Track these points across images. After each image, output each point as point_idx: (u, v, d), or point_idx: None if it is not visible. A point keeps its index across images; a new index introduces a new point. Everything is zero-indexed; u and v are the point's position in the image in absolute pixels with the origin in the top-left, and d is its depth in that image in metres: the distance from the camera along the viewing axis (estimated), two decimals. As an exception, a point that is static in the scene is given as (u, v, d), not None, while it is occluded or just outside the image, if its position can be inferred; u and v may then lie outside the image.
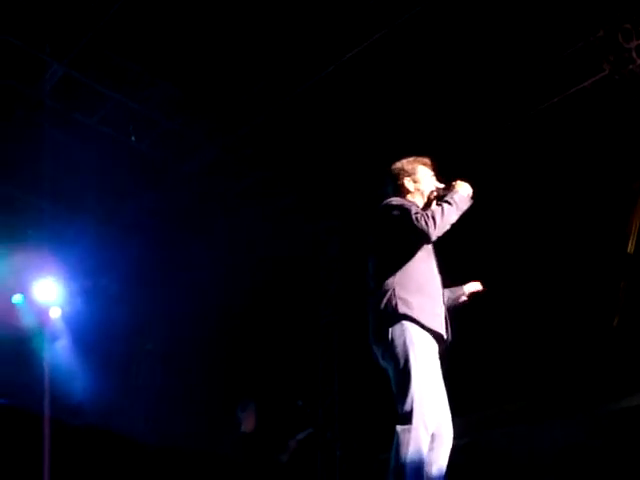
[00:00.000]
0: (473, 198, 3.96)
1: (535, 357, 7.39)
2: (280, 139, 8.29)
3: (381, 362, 3.85)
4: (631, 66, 6.83)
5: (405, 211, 3.84)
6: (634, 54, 6.75)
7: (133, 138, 8.00)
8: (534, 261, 7.76)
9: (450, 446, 3.76)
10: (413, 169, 4.17)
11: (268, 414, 7.46)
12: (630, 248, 7.61)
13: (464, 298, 4.35)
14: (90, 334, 9.12)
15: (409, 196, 4.12)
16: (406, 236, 3.84)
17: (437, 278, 4.00)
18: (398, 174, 4.18)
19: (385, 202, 4.02)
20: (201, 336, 9.34)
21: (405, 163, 4.21)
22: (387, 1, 6.56)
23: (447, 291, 4.19)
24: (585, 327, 7.31)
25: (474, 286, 4.41)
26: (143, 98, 7.72)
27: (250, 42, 7.02)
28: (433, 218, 3.75)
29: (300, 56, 7.17)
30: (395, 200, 4.01)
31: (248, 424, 7.09)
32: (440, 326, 3.84)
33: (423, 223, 3.73)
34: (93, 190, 8.50)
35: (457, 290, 4.33)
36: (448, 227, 3.81)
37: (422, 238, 3.80)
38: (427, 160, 4.23)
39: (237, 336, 9.40)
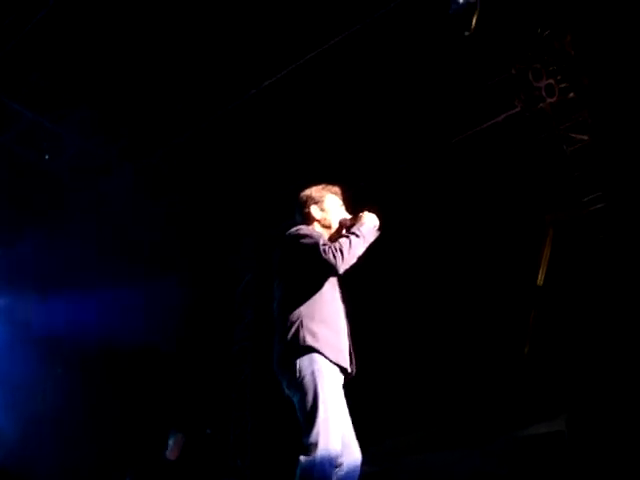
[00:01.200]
0: (380, 229, 3.95)
1: (448, 385, 7.48)
2: (196, 163, 8.27)
3: (286, 391, 3.79)
4: (541, 104, 7.08)
5: (312, 242, 3.80)
6: (544, 92, 7.01)
7: (47, 157, 7.83)
8: (447, 290, 7.88)
9: (357, 476, 3.71)
10: (321, 197, 4.14)
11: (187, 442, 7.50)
12: (540, 280, 7.84)
13: None
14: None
15: (315, 224, 4.09)
16: (313, 268, 3.80)
17: (342, 310, 3.96)
18: (305, 201, 4.14)
19: (293, 230, 3.96)
20: (113, 363, 9.11)
21: (314, 191, 4.17)
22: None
23: None
24: (496, 355, 7.47)
25: None
26: (58, 117, 7.59)
27: (166, 65, 7.01)
28: (340, 251, 3.72)
29: (218, 81, 7.18)
30: (303, 229, 3.96)
31: (174, 452, 7.28)
32: (344, 360, 3.81)
33: (331, 256, 3.71)
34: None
35: None
36: (355, 260, 3.79)
37: (329, 271, 3.77)
38: (337, 189, 4.20)
39: (151, 365, 9.23)
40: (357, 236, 3.82)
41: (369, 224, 3.92)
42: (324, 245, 3.76)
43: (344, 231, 3.98)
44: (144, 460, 7.23)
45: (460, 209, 7.90)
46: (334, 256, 3.71)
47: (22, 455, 8.68)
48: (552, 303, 7.59)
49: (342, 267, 3.74)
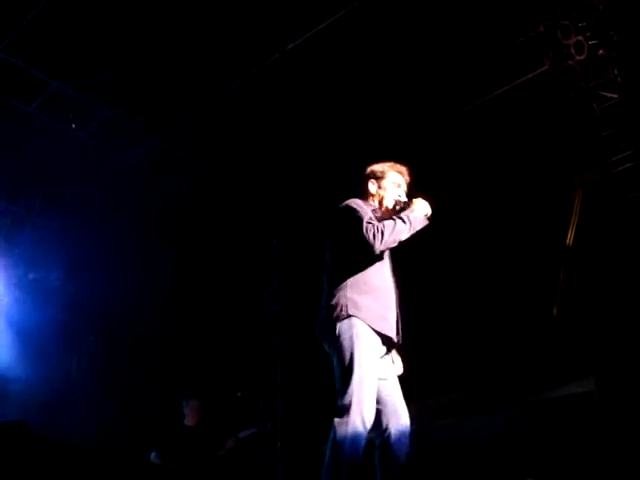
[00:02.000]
0: (430, 219, 3.98)
1: (479, 347, 7.50)
2: (223, 129, 8.25)
3: (328, 353, 3.87)
4: (570, 62, 6.95)
5: (358, 218, 3.86)
6: (572, 50, 6.88)
7: (73, 126, 7.86)
8: (474, 253, 7.86)
9: (407, 442, 3.78)
10: (382, 173, 4.19)
11: (210, 407, 7.53)
12: (569, 240, 7.78)
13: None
14: (30, 325, 8.95)
15: (370, 199, 4.16)
16: (354, 242, 3.86)
17: (390, 282, 4.02)
18: (367, 175, 4.21)
19: (345, 203, 4.03)
20: (143, 330, 9.25)
21: (378, 166, 4.23)
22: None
23: None
24: (526, 316, 7.46)
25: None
26: (83, 86, 7.59)
27: (189, 30, 6.97)
28: (382, 232, 3.78)
29: (241, 47, 7.14)
30: (353, 203, 4.01)
31: (191, 419, 7.25)
32: (389, 329, 3.86)
33: (371, 235, 3.77)
34: (32, 178, 8.34)
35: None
36: (396, 244, 3.85)
37: (367, 249, 3.82)
38: (402, 169, 4.22)
39: (180, 329, 9.34)
40: (404, 222, 3.87)
41: (419, 212, 3.96)
42: (368, 223, 3.82)
43: (394, 214, 3.99)
44: (165, 431, 7.28)
45: (491, 170, 7.85)
46: (374, 236, 3.78)
47: (49, 413, 8.89)
48: (581, 263, 7.54)
49: (380, 248, 3.81)
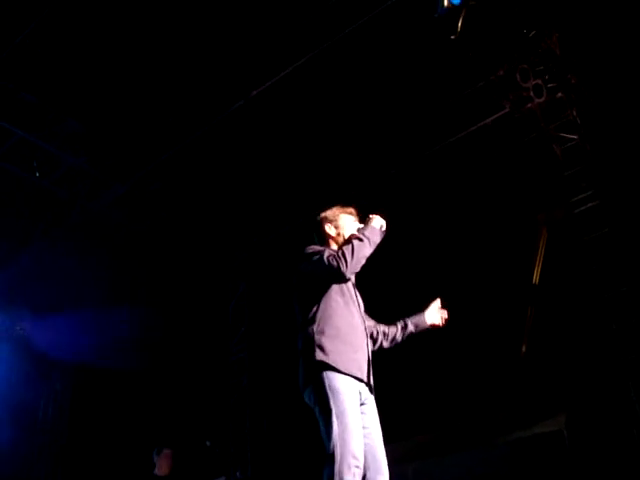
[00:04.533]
0: (386, 230, 4.05)
1: (446, 387, 7.49)
2: (188, 176, 8.26)
3: (309, 403, 3.89)
4: (529, 104, 7.10)
5: (318, 256, 3.93)
6: (532, 93, 7.02)
7: (37, 174, 7.83)
8: (443, 292, 7.88)
9: None
10: (334, 216, 4.29)
11: (181, 456, 7.43)
12: (535, 278, 7.85)
13: (427, 325, 4.40)
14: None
15: (331, 241, 4.22)
16: (321, 279, 3.93)
17: (359, 323, 4.03)
18: (320, 222, 4.29)
19: (305, 250, 4.09)
20: (111, 381, 9.11)
21: (328, 211, 4.32)
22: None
23: (409, 319, 4.33)
24: (494, 356, 7.48)
25: (433, 315, 4.47)
26: (48, 134, 7.58)
27: (152, 78, 7.01)
28: (343, 256, 3.84)
29: (205, 94, 7.19)
30: (311, 247, 4.09)
31: (162, 468, 7.13)
32: (359, 371, 3.85)
33: (335, 262, 3.83)
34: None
35: (419, 318, 4.39)
36: (363, 262, 3.89)
37: (336, 276, 3.87)
38: (351, 209, 4.33)
39: (149, 378, 9.22)
40: (360, 239, 3.93)
41: (374, 225, 4.03)
42: (328, 255, 3.89)
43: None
44: None
45: (454, 212, 7.92)
46: (337, 262, 3.83)
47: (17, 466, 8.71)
48: (548, 301, 7.61)
49: (348, 271, 3.85)
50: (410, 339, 7.50)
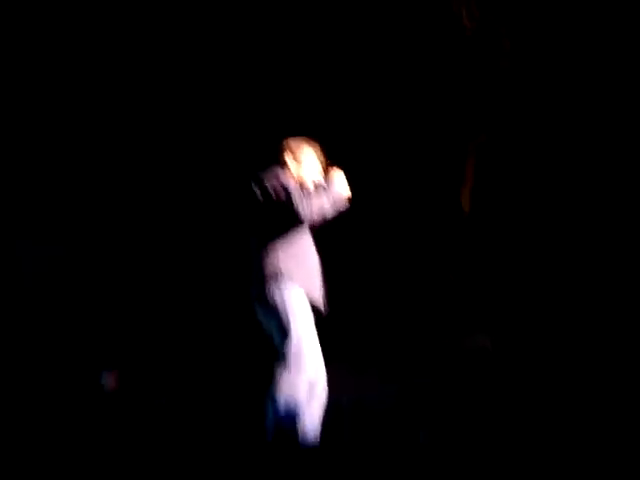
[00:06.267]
0: (350, 201, 4.14)
1: (374, 308, 7.60)
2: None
3: (260, 318, 4.00)
4: (463, 27, 7.14)
5: (286, 189, 3.96)
6: (464, 15, 7.07)
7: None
8: (376, 219, 7.96)
9: (324, 402, 3.91)
10: (297, 147, 4.27)
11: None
12: (464, 206, 7.98)
13: None
14: None
15: (286, 170, 4.20)
16: (283, 212, 3.96)
17: (313, 252, 4.15)
18: (282, 150, 4.28)
19: (267, 172, 4.10)
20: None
21: (292, 141, 4.30)
22: None
23: None
24: (422, 282, 7.61)
25: None
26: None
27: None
28: (309, 203, 3.89)
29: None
30: (278, 173, 4.08)
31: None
32: (315, 297, 4.02)
33: (299, 206, 3.88)
34: None
35: None
36: (319, 218, 3.97)
37: (296, 219, 3.93)
38: (316, 145, 4.33)
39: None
40: (328, 193, 4.01)
41: (338, 183, 4.10)
42: (294, 193, 3.94)
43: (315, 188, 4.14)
44: None
45: (382, 139, 7.94)
46: (303, 207, 3.89)
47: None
48: (478, 228, 7.74)
49: (307, 219, 3.94)
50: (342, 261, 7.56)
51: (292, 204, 3.89)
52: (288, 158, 4.24)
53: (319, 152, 4.33)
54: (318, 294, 4.06)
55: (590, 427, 4.64)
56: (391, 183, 7.90)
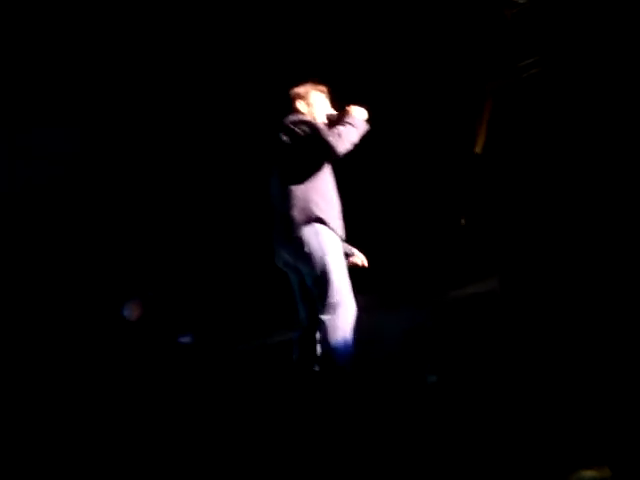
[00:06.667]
0: (369, 122, 4.24)
1: (386, 249, 7.62)
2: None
3: (289, 262, 4.18)
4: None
5: (314, 127, 4.10)
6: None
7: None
8: (390, 159, 7.93)
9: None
10: (306, 92, 4.40)
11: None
12: (478, 148, 7.91)
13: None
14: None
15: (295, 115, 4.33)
16: (315, 150, 4.10)
17: (335, 186, 4.34)
18: (292, 98, 4.40)
19: (291, 117, 4.24)
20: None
21: (300, 88, 4.43)
22: None
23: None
24: (434, 223, 7.63)
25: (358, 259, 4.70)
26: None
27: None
28: (339, 135, 4.03)
29: None
30: (301, 117, 4.25)
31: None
32: (340, 230, 4.26)
33: (332, 140, 4.01)
34: None
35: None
36: (351, 147, 4.11)
37: (330, 154, 4.07)
38: (322, 87, 4.46)
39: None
40: (352, 125, 4.14)
41: (359, 116, 4.22)
42: (324, 130, 4.10)
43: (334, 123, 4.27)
44: None
45: (400, 79, 7.85)
46: (334, 141, 4.03)
47: None
48: (490, 171, 7.69)
49: (342, 151, 4.08)
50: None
51: (324, 139, 4.04)
52: (300, 105, 4.33)
53: (326, 92, 4.44)
54: (341, 233, 4.25)
55: (596, 372, 4.68)
56: (406, 122, 7.85)
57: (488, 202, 7.54)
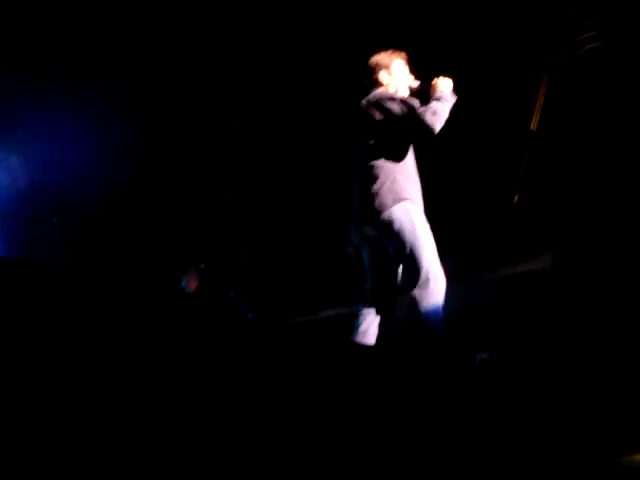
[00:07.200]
0: (455, 92, 4.11)
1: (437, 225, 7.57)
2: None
3: (371, 237, 4.19)
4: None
5: (409, 106, 4.01)
6: None
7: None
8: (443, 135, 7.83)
9: None
10: (389, 62, 4.27)
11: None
12: (533, 125, 7.78)
13: None
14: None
15: (382, 89, 4.23)
16: (409, 130, 4.04)
17: (417, 170, 4.28)
18: (374, 67, 4.27)
19: (374, 95, 4.14)
20: (108, 211, 9.10)
21: (381, 56, 4.30)
22: None
23: None
24: (487, 199, 7.54)
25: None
26: None
27: None
28: (434, 113, 3.92)
29: None
30: (387, 93, 4.14)
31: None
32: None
33: (428, 118, 3.91)
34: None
35: None
36: (443, 124, 3.98)
37: (426, 133, 3.98)
38: (403, 54, 4.32)
39: (143, 205, 9.21)
40: (444, 100, 4.01)
41: (447, 89, 4.10)
42: (420, 108, 3.98)
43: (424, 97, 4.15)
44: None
45: (456, 52, 7.74)
46: (431, 119, 3.93)
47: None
48: (545, 148, 7.58)
49: (438, 130, 3.98)
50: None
51: (421, 119, 3.93)
52: (383, 76, 4.24)
53: (407, 59, 4.32)
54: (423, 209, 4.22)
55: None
56: (464, 96, 7.73)
57: (543, 180, 7.44)
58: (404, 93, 4.25)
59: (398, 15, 7.67)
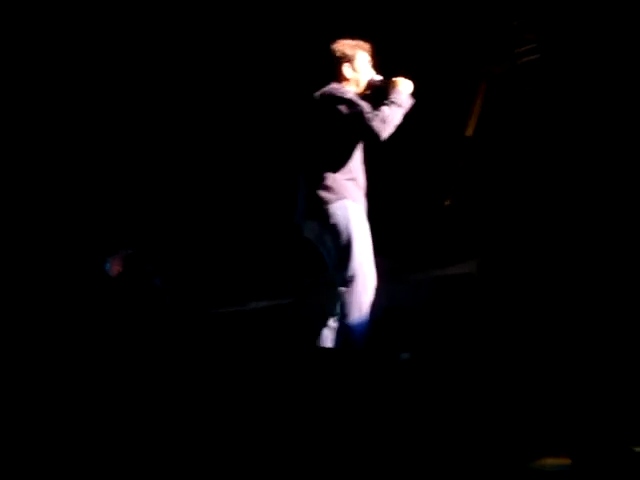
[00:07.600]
0: (414, 96, 4.12)
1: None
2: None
3: (311, 236, 4.18)
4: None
5: (356, 109, 3.97)
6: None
7: None
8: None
9: None
10: (354, 55, 4.19)
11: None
12: (469, 131, 7.91)
13: None
14: None
15: (345, 84, 4.18)
16: (355, 133, 4.03)
17: (364, 172, 4.30)
18: (338, 59, 4.19)
19: (327, 91, 4.11)
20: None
21: (347, 47, 4.21)
22: None
23: None
24: (418, 202, 7.63)
25: None
26: None
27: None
28: (384, 121, 3.90)
29: None
30: (342, 91, 4.08)
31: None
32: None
33: (376, 125, 3.89)
34: None
35: None
36: (394, 130, 4.00)
37: (373, 140, 3.99)
38: (368, 46, 4.25)
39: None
40: (398, 105, 3.99)
41: (405, 92, 4.08)
42: (369, 113, 3.93)
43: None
44: None
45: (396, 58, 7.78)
46: (378, 127, 3.91)
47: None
48: (479, 155, 7.70)
49: (385, 137, 3.97)
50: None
51: (368, 125, 3.90)
52: (346, 69, 4.19)
53: (371, 52, 4.27)
54: (366, 209, 4.26)
55: (564, 361, 4.74)
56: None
57: (475, 185, 7.57)
58: (363, 88, 4.22)
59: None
